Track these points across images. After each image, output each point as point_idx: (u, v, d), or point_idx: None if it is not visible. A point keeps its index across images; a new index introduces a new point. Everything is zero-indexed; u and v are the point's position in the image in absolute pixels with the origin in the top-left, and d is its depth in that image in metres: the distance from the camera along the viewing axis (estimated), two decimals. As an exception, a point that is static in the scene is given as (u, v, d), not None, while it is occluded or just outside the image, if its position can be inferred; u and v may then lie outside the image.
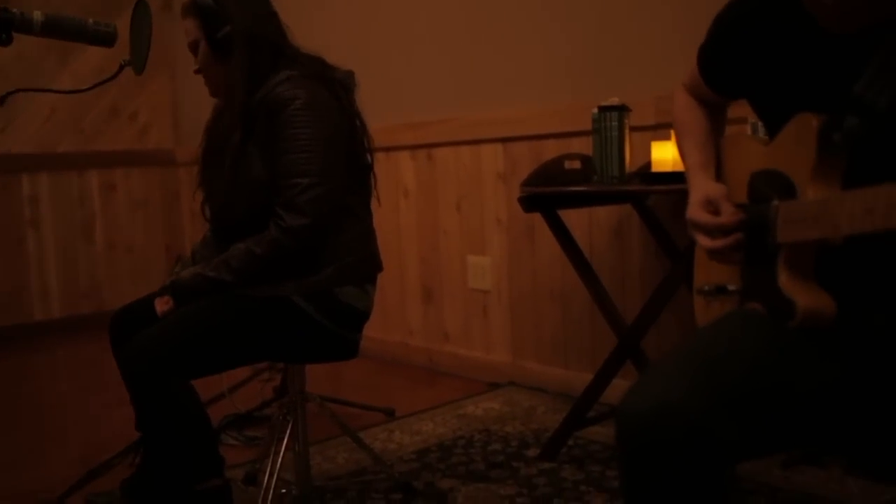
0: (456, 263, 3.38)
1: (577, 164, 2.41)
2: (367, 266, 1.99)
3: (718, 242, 1.25)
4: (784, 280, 1.15)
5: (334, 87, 1.94)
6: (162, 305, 1.88)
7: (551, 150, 2.84)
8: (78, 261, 4.77)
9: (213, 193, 1.98)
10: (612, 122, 2.18)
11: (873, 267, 1.12)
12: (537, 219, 2.50)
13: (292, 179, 1.80)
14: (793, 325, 1.11)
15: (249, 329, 1.84)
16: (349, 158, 1.94)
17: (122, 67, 1.70)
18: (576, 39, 2.83)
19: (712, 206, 1.28)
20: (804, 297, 1.11)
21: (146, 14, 1.78)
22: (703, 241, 1.28)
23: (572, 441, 2.42)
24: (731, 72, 1.35)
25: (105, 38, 1.56)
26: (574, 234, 2.58)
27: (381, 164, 3.63)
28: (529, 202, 2.29)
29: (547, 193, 2.24)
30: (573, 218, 2.79)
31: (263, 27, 1.91)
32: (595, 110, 2.24)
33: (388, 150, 3.56)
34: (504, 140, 3.11)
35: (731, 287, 1.32)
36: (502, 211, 3.15)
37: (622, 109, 2.19)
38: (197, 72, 1.96)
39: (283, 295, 1.85)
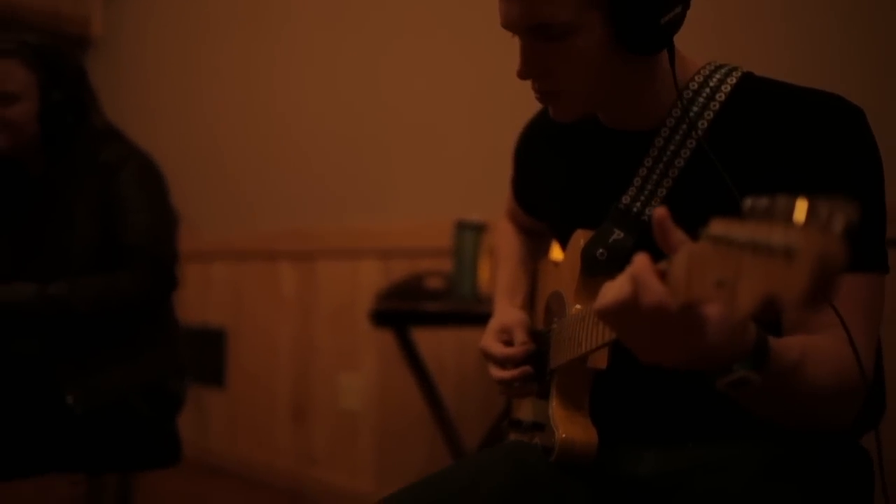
0: (328, 381, 3.27)
1: (439, 283, 2.36)
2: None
3: (506, 374, 1.19)
4: (553, 409, 1.08)
5: None
6: None
7: (429, 265, 2.79)
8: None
9: None
10: (467, 240, 2.14)
11: (642, 401, 1.06)
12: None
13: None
14: (553, 459, 1.04)
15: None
16: None
17: None
18: (461, 152, 2.84)
19: (506, 335, 1.22)
20: (565, 428, 1.04)
21: None
22: (494, 371, 1.21)
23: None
24: (533, 194, 1.33)
25: None
26: (442, 355, 2.52)
27: (258, 270, 3.64)
28: (380, 318, 2.22)
29: (394, 310, 2.18)
30: (441, 338, 2.72)
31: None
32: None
33: (268, 256, 3.51)
34: (383, 253, 3.06)
35: (526, 420, 1.25)
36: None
37: (478, 228, 2.16)
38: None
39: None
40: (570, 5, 0.95)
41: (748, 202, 0.58)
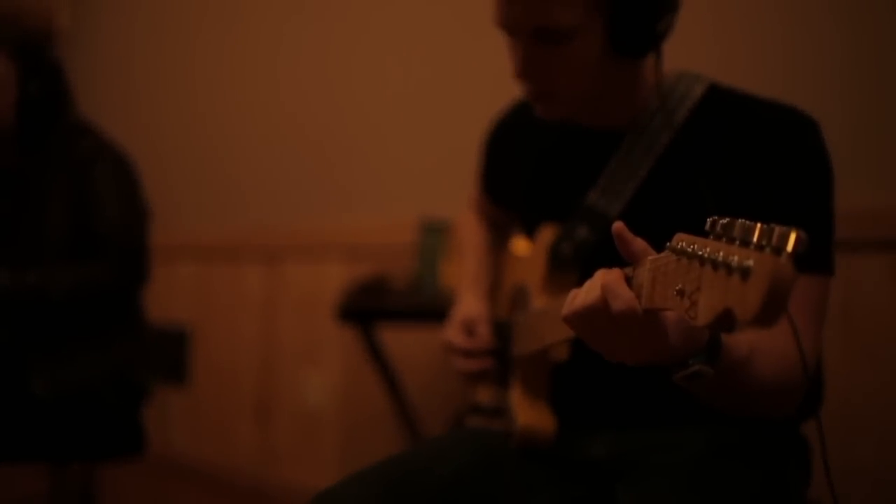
0: (292, 380, 3.31)
1: (403, 280, 2.41)
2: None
3: (469, 365, 1.24)
4: (514, 396, 1.14)
5: None
6: None
7: (394, 263, 2.83)
8: None
9: None
10: (431, 238, 2.20)
11: (598, 389, 1.12)
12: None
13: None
14: (512, 444, 1.10)
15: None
16: None
17: None
18: (425, 150, 2.88)
19: (470, 327, 1.27)
20: (525, 414, 1.10)
21: None
22: (457, 362, 1.27)
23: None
24: (504, 186, 1.38)
25: None
26: (407, 354, 2.57)
27: (223, 268, 3.66)
28: (345, 314, 2.26)
29: (359, 306, 2.22)
30: (405, 337, 2.76)
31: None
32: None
33: (233, 254, 3.53)
34: (348, 251, 3.10)
35: (487, 405, 1.30)
36: (345, 327, 3.11)
37: (441, 226, 2.21)
38: None
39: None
40: (576, 10, 1.00)
41: (710, 221, 0.64)
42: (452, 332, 1.28)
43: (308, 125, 3.33)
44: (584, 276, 1.10)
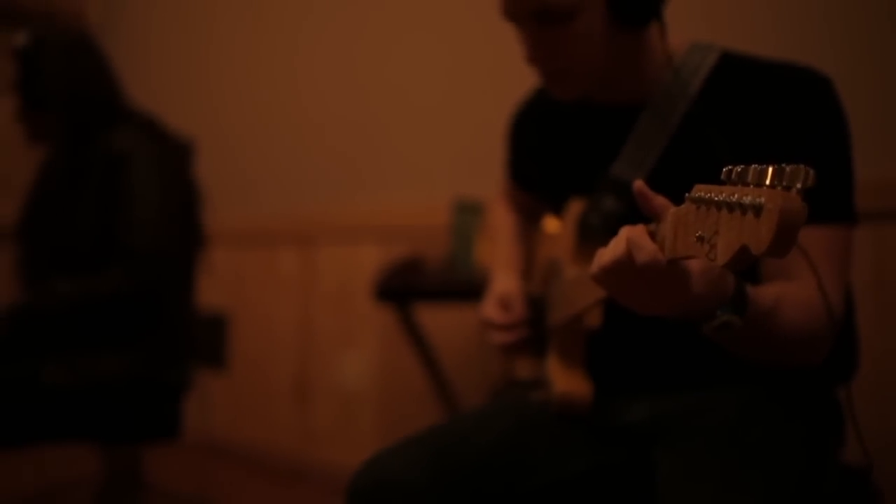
0: (329, 362, 3.37)
1: (439, 259, 2.46)
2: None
3: (506, 338, 1.28)
4: (550, 365, 1.18)
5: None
6: None
7: (429, 244, 2.87)
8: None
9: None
10: (465, 217, 2.24)
11: (633, 354, 1.16)
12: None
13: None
14: (551, 411, 1.14)
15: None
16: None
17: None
18: (458, 131, 2.92)
19: (505, 302, 1.32)
20: (562, 382, 1.14)
21: None
22: (494, 336, 1.31)
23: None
24: (531, 170, 1.42)
25: None
26: (442, 334, 2.62)
27: (258, 253, 3.73)
28: (382, 293, 2.30)
29: (396, 285, 2.27)
30: (441, 317, 2.81)
31: (86, 84, 1.93)
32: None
33: (268, 239, 3.59)
34: (383, 233, 3.15)
35: (526, 379, 1.35)
36: (381, 308, 3.16)
37: (475, 205, 2.26)
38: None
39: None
40: None
41: (726, 170, 0.68)
42: (488, 308, 1.32)
43: (340, 108, 3.38)
44: None
